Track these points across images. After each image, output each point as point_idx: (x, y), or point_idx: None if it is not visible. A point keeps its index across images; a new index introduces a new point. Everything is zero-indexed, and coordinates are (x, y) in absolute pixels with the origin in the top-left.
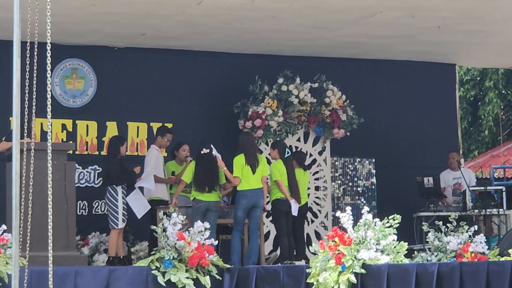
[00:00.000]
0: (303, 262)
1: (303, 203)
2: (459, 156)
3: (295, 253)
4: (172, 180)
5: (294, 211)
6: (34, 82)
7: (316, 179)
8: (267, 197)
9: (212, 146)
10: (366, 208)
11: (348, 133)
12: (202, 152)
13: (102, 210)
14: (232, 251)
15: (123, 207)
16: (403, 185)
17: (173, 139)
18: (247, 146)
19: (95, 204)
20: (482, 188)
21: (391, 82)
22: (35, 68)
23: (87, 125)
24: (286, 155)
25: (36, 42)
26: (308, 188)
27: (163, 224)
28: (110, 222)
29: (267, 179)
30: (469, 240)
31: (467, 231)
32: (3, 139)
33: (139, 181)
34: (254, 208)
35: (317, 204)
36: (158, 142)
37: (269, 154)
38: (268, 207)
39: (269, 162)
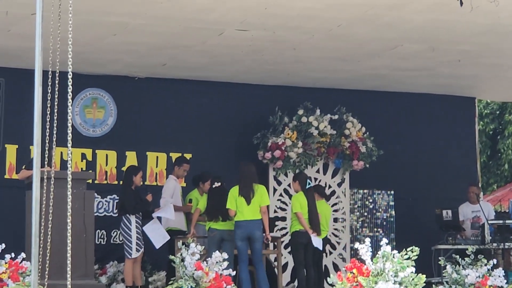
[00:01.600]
0: None
1: (324, 235)
2: (479, 189)
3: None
4: (189, 208)
5: (317, 244)
6: (55, 111)
7: (335, 210)
8: (285, 228)
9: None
10: (384, 240)
11: (367, 165)
12: (214, 186)
13: (120, 239)
14: (241, 284)
15: (137, 236)
16: (422, 218)
17: (193, 170)
18: (242, 178)
19: (113, 233)
20: (501, 221)
21: (411, 115)
22: (56, 97)
23: (106, 155)
24: (307, 186)
25: (58, 71)
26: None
27: (181, 254)
28: (124, 252)
29: (267, 209)
30: (488, 274)
31: (485, 265)
32: (23, 167)
33: (158, 211)
34: (252, 241)
35: (336, 235)
36: (176, 172)
37: (288, 185)
38: (282, 235)
39: (287, 193)
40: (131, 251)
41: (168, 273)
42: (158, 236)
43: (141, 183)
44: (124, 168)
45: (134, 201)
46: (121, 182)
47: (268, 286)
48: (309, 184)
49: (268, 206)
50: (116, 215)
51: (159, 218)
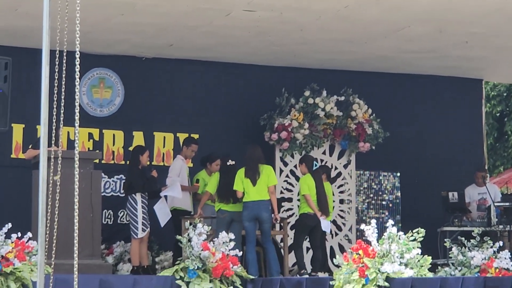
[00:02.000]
0: (326, 275)
1: (330, 218)
2: (485, 172)
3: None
4: (196, 188)
5: (326, 227)
6: (62, 90)
7: (341, 192)
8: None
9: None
10: (390, 221)
11: (373, 147)
12: (228, 163)
13: (127, 219)
14: (248, 264)
15: (143, 216)
16: (428, 200)
17: (199, 150)
18: (247, 159)
19: (120, 213)
20: (507, 204)
21: (418, 97)
22: (63, 76)
23: (113, 135)
24: (314, 168)
25: (65, 51)
26: (333, 201)
27: (188, 234)
28: (131, 232)
29: (274, 189)
30: (494, 256)
31: (491, 247)
32: (30, 146)
33: (165, 189)
34: (260, 222)
35: (342, 217)
36: (184, 153)
37: (294, 166)
38: (288, 216)
39: (293, 174)
40: (137, 231)
41: (174, 253)
42: (163, 214)
43: (148, 163)
44: (131, 148)
45: (142, 181)
46: (128, 162)
47: (279, 266)
48: (315, 165)
49: (275, 186)
50: (123, 195)
51: (166, 197)
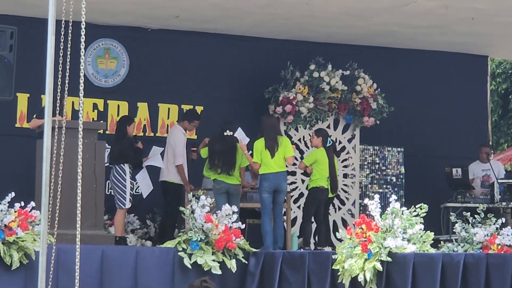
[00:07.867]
0: (329, 249)
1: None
2: (490, 148)
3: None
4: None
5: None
6: (68, 60)
7: (345, 166)
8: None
9: (240, 129)
10: (394, 197)
11: (378, 122)
12: (225, 133)
13: (111, 190)
14: (264, 235)
15: (130, 187)
16: (431, 175)
17: (203, 122)
18: (266, 130)
19: None
20: (511, 181)
21: (423, 72)
22: (68, 46)
23: (118, 105)
24: (328, 144)
25: (71, 21)
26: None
27: (191, 206)
28: (117, 202)
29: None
30: (496, 233)
31: (494, 223)
32: (34, 116)
33: (147, 160)
34: (277, 192)
35: (345, 191)
36: (185, 126)
37: (298, 140)
38: (291, 190)
39: (297, 148)
40: (125, 201)
41: (177, 225)
42: (145, 186)
43: (134, 133)
44: (136, 119)
45: (132, 151)
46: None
47: (283, 241)
48: (330, 142)
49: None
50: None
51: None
